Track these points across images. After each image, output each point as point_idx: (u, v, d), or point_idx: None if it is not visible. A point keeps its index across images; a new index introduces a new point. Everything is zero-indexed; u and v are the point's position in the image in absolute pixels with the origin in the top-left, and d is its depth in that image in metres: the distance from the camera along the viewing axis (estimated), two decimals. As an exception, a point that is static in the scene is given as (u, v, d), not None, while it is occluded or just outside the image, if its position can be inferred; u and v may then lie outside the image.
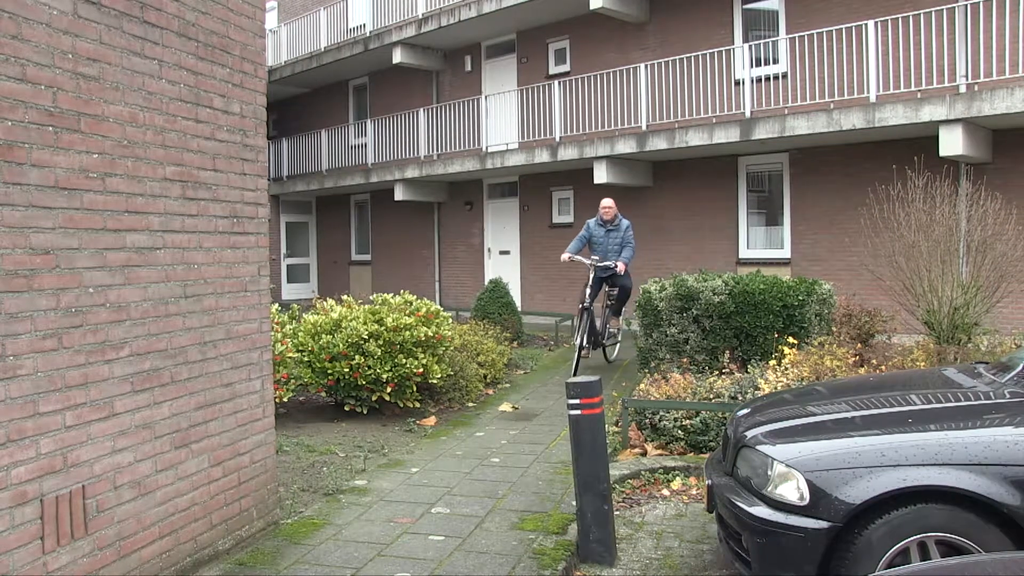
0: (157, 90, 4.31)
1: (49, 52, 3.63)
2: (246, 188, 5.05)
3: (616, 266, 10.79)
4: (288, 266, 24.45)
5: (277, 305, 9.25)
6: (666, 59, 15.04)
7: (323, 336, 8.42)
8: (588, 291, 10.69)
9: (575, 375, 9.46)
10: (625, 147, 15.15)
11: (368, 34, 20.56)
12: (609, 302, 11.38)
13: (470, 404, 9.37)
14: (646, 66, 15.18)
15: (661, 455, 6.97)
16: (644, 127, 15.07)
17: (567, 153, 16.09)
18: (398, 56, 19.66)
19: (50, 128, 3.63)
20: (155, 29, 4.30)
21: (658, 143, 14.65)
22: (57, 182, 3.66)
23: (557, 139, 16.48)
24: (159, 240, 4.30)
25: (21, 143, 3.48)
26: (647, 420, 7.22)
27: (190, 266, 4.54)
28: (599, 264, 10.83)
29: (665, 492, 6.23)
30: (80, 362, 3.77)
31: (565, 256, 10.97)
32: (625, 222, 11.13)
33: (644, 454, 7.03)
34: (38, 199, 3.56)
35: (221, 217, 4.82)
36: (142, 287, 4.17)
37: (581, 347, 10.58)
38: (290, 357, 8.39)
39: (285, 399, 8.25)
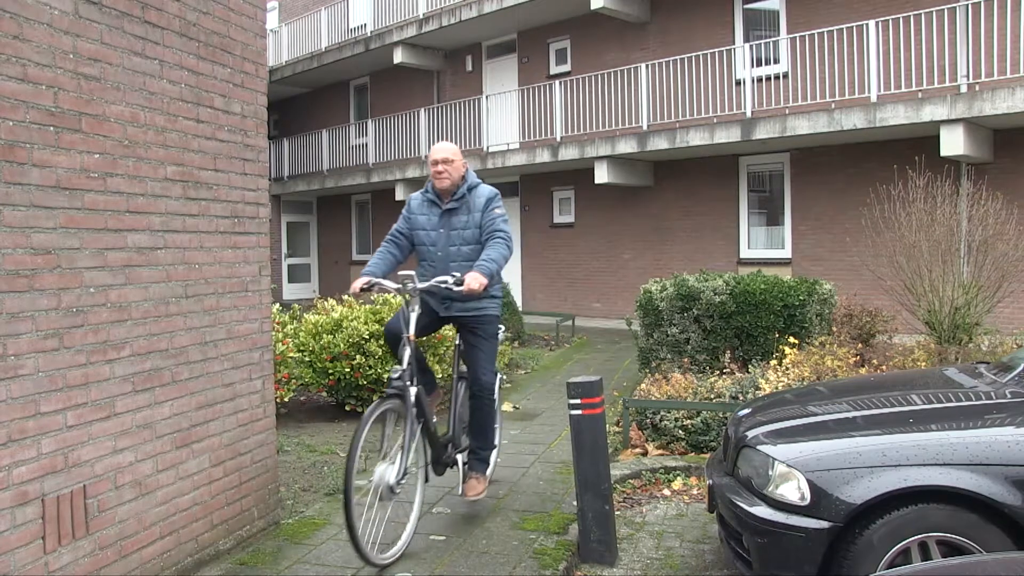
0: (158, 90, 4.31)
1: (50, 52, 3.63)
2: (247, 188, 5.05)
3: (456, 282, 5.03)
4: (289, 266, 24.47)
5: (278, 305, 9.26)
6: (667, 59, 15.06)
7: (324, 336, 8.43)
8: (406, 348, 4.88)
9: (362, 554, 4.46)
10: (626, 147, 15.16)
11: (369, 34, 20.59)
12: (461, 378, 5.68)
13: (471, 404, 9.35)
14: (647, 66, 15.19)
15: (662, 455, 6.97)
16: (645, 127, 15.08)
17: (568, 153, 16.09)
18: (399, 56, 19.69)
19: (51, 128, 3.63)
20: (156, 29, 4.30)
21: (659, 143, 14.66)
22: (58, 182, 3.66)
23: (558, 139, 16.49)
24: (160, 240, 4.30)
25: (22, 143, 3.48)
26: (648, 420, 7.22)
27: (191, 266, 4.54)
28: (424, 286, 5.09)
29: (666, 492, 6.23)
30: (81, 362, 3.77)
31: (358, 284, 5.22)
32: (484, 190, 5.49)
33: (645, 454, 7.02)
34: (39, 199, 3.56)
35: (222, 217, 4.82)
36: (143, 287, 4.17)
37: (386, 484, 4.77)
38: (291, 357, 8.39)
39: (286, 399, 8.26)
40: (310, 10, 23.59)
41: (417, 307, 5.00)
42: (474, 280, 4.93)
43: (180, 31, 4.48)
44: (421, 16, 19.12)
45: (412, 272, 5.11)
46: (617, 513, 5.58)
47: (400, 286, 5.08)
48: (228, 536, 4.85)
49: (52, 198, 3.63)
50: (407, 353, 4.86)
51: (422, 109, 19.55)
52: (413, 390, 4.85)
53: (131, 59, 4.11)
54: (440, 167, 5.40)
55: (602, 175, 15.59)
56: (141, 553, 4.14)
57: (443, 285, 5.05)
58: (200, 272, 4.61)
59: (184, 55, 4.51)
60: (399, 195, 19.62)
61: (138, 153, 4.15)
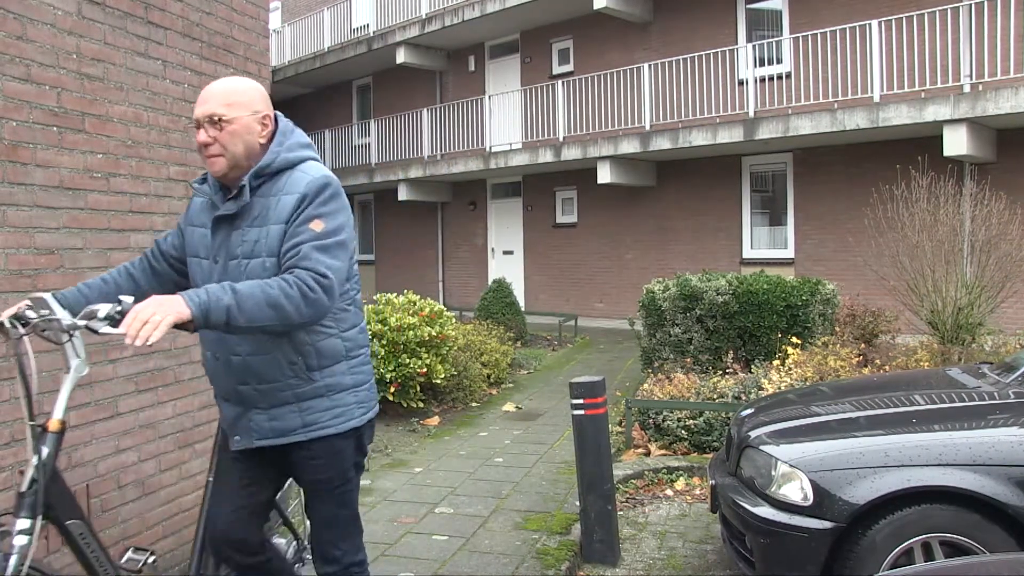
0: (161, 90, 4.32)
1: (54, 53, 3.64)
2: (250, 188, 5.06)
3: (111, 316, 2.48)
4: (292, 266, 24.46)
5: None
6: (669, 59, 15.04)
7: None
8: (35, 457, 2.55)
9: None
10: (629, 147, 15.15)
11: (372, 34, 20.58)
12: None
13: (474, 404, 9.38)
14: (650, 66, 15.18)
15: (665, 455, 6.97)
16: (648, 127, 15.07)
17: (571, 153, 16.09)
18: (402, 56, 19.68)
19: (55, 128, 3.63)
20: (159, 29, 4.30)
21: (662, 143, 14.65)
22: (62, 182, 3.66)
23: (561, 139, 16.49)
24: (163, 240, 4.30)
25: (26, 143, 3.49)
26: (651, 420, 7.22)
27: (194, 266, 4.54)
28: (70, 322, 2.57)
29: (669, 492, 6.23)
30: (84, 362, 3.77)
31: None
32: (302, 177, 2.75)
33: (648, 454, 7.02)
34: (43, 199, 3.56)
35: (225, 217, 4.82)
36: (146, 287, 4.17)
37: None
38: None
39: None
40: (312, 10, 23.58)
41: (77, 362, 2.63)
42: (145, 319, 2.31)
43: (183, 31, 4.48)
44: (424, 16, 19.11)
45: (44, 294, 2.66)
46: (620, 513, 5.58)
47: (28, 320, 2.62)
48: (231, 536, 4.84)
49: (55, 198, 3.63)
50: (32, 467, 2.56)
51: (425, 109, 19.54)
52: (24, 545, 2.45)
53: (134, 59, 4.12)
54: (204, 135, 2.75)
55: (605, 175, 15.58)
56: (144, 553, 4.14)
57: (83, 323, 2.53)
58: (203, 272, 4.61)
59: (187, 55, 4.52)
60: (402, 195, 19.63)
61: (141, 153, 4.16)
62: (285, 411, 2.81)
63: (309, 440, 2.84)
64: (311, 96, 24.57)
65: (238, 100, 2.76)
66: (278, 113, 2.87)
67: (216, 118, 2.72)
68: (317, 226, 2.66)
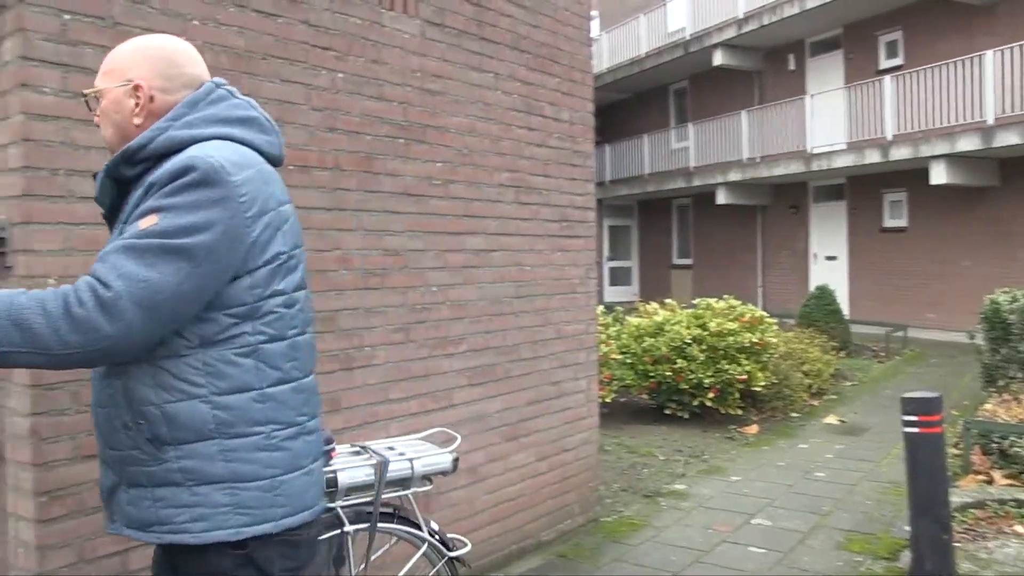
0: (493, 101, 4.56)
1: (401, 72, 3.96)
2: (575, 193, 5.22)
3: None
4: (610, 269, 24.92)
5: (601, 307, 9.49)
6: (1019, 43, 13.61)
7: (646, 339, 8.52)
8: None
9: None
10: (967, 144, 13.90)
11: (687, 37, 20.52)
12: None
13: (794, 414, 9.05)
14: (994, 52, 13.82)
15: (1012, 485, 6.30)
16: (990, 121, 13.74)
17: (899, 153, 15.06)
18: (718, 58, 19.46)
19: (401, 140, 3.96)
20: (490, 44, 4.55)
21: (1008, 138, 13.29)
22: (406, 189, 3.98)
23: (889, 138, 15.48)
24: (494, 243, 4.55)
25: (378, 155, 3.83)
26: (994, 445, 6.57)
27: (522, 268, 4.76)
28: None
29: (1019, 528, 5.62)
30: (423, 355, 4.07)
31: None
32: (175, 161, 1.84)
33: (990, 482, 6.40)
34: (390, 205, 3.89)
35: (551, 221, 5.01)
36: (478, 287, 4.43)
37: None
38: (614, 358, 8.55)
39: (608, 399, 8.41)
40: (629, 17, 23.91)
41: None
42: None
43: (512, 45, 4.72)
44: (740, 16, 18.75)
45: None
46: (956, 545, 5.12)
47: None
48: (549, 528, 5.02)
49: (401, 204, 3.95)
50: None
51: (743, 111, 19.17)
52: None
53: (468, 74, 4.39)
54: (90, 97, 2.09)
55: (939, 175, 14.41)
56: (471, 536, 4.38)
57: None
58: (531, 274, 4.82)
59: (516, 67, 4.74)
60: (720, 199, 19.38)
61: (475, 161, 4.42)
62: (140, 495, 1.93)
63: (169, 544, 1.94)
64: (629, 101, 24.92)
65: (112, 66, 2.03)
66: (217, 80, 2.05)
67: (101, 90, 2.04)
68: (148, 222, 1.80)
